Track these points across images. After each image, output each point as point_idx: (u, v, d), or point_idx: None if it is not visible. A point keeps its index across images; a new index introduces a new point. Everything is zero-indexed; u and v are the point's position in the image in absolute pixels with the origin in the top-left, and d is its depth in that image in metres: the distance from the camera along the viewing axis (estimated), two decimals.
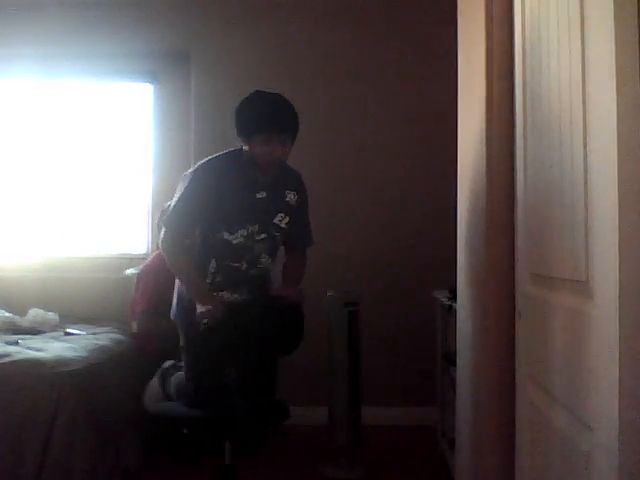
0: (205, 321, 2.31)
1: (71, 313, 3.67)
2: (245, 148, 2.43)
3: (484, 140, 2.10)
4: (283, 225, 2.53)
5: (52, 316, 3.50)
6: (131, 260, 3.96)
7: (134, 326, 3.36)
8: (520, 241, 1.80)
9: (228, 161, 2.47)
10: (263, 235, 2.48)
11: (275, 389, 2.54)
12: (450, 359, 2.86)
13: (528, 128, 1.71)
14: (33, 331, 3.32)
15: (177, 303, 2.54)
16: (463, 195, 2.55)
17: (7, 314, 3.50)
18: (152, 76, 4.22)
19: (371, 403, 3.45)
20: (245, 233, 2.45)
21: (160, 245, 2.51)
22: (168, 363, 2.74)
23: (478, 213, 2.20)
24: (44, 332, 3.33)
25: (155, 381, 2.73)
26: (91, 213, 4.23)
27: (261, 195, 2.47)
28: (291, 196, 2.56)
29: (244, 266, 2.49)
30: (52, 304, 3.62)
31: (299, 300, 2.43)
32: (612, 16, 1.13)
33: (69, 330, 3.35)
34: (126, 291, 3.61)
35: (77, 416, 2.56)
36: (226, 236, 2.44)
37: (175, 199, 2.45)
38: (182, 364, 2.56)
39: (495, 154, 2.06)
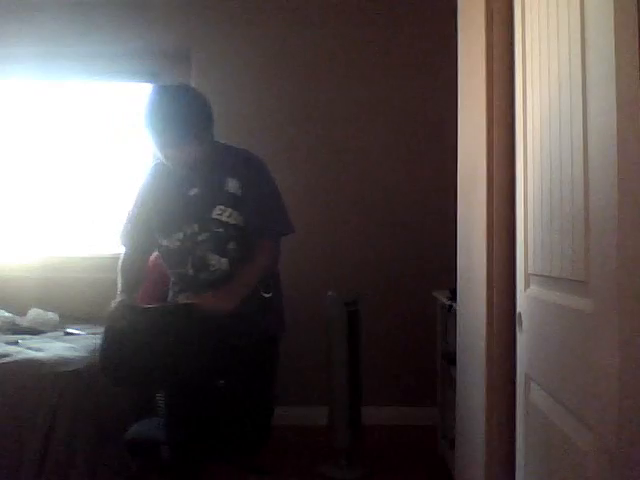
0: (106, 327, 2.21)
1: (71, 313, 3.67)
2: None
3: (484, 140, 2.10)
4: (225, 218, 2.25)
5: (52, 316, 3.50)
6: None
7: None
8: (520, 241, 1.80)
9: (160, 163, 2.33)
10: (205, 234, 2.25)
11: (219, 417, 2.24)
12: (450, 359, 2.86)
13: (528, 128, 1.71)
14: (33, 331, 3.32)
15: None
16: (463, 195, 2.55)
17: (7, 314, 3.50)
18: (152, 76, 4.21)
19: (371, 403, 3.45)
20: (181, 236, 2.27)
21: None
22: None
23: (478, 213, 2.20)
24: (44, 332, 3.33)
25: None
26: (91, 213, 4.23)
27: (193, 192, 2.28)
28: (233, 184, 2.27)
29: (190, 271, 2.28)
30: (52, 304, 3.62)
31: (218, 311, 2.12)
32: (612, 16, 1.13)
33: (69, 330, 3.35)
34: None
35: (77, 416, 2.56)
36: (164, 242, 2.31)
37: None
38: None
39: (495, 154, 2.06)
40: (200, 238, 2.26)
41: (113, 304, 2.24)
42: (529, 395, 1.68)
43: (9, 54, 4.01)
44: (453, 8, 2.63)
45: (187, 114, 2.18)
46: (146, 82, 4.23)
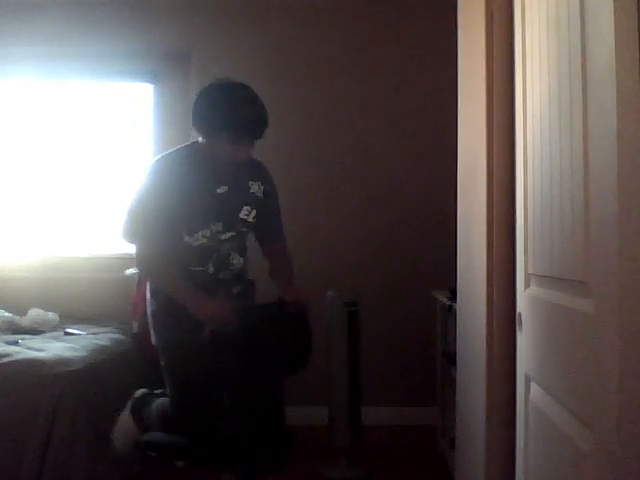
0: (210, 329, 2.08)
1: (71, 313, 3.66)
2: (202, 141, 2.23)
3: (484, 140, 2.10)
4: (250, 219, 2.33)
5: (52, 316, 3.50)
6: (131, 260, 3.90)
7: (135, 327, 3.36)
8: (520, 241, 1.79)
9: (183, 156, 2.27)
10: (230, 233, 2.28)
11: (281, 414, 2.30)
12: (450, 359, 2.86)
13: (528, 128, 1.71)
14: (33, 331, 3.32)
15: (154, 324, 2.32)
16: (463, 195, 2.55)
17: (7, 314, 3.49)
18: (152, 76, 4.21)
19: (371, 403, 3.45)
20: (208, 233, 2.24)
21: (139, 262, 2.28)
22: (140, 392, 2.54)
23: (478, 213, 2.20)
24: (44, 332, 3.33)
25: (126, 415, 2.48)
26: (91, 213, 4.23)
27: (222, 190, 2.27)
28: (256, 187, 2.35)
29: (210, 269, 2.27)
30: (52, 304, 3.61)
31: (306, 304, 2.21)
32: (612, 15, 1.12)
33: (69, 330, 3.34)
34: (126, 291, 3.61)
35: (77, 416, 2.56)
36: (186, 239, 2.23)
37: (132, 206, 2.23)
38: (161, 391, 2.39)
39: (495, 154, 2.06)
40: (223, 237, 2.28)
41: (218, 302, 2.15)
42: (529, 395, 1.68)
43: (9, 54, 4.01)
44: (453, 7, 2.63)
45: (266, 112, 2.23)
46: (146, 82, 4.23)
